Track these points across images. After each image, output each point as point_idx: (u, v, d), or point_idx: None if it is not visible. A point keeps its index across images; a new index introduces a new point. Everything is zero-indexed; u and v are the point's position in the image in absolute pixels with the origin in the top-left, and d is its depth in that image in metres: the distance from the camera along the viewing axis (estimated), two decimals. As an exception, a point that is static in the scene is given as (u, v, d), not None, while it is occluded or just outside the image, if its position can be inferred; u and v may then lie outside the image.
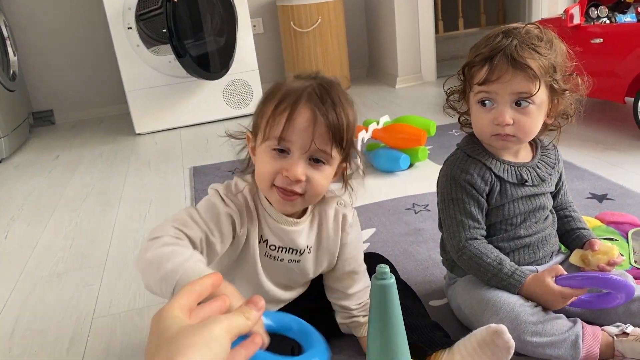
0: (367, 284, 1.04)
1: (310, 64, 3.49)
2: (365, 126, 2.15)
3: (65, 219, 1.99)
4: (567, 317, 0.98)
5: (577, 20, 2.22)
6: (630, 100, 2.12)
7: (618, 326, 0.97)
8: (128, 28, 2.90)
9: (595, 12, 2.29)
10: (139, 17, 2.96)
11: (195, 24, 2.87)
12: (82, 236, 1.83)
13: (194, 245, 0.83)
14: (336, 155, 0.87)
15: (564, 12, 2.27)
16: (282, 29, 3.54)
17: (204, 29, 2.89)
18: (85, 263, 1.63)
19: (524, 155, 1.07)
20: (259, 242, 0.95)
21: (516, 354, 0.98)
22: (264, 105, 0.88)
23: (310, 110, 0.83)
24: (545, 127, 1.05)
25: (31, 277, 1.58)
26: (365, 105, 3.17)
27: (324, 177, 0.88)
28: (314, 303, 1.07)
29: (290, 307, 1.05)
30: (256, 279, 0.98)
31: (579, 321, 0.97)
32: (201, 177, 2.22)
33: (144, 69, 2.97)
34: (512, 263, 1.01)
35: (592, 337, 0.94)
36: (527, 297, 0.98)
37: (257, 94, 3.14)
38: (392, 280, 0.77)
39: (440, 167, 1.11)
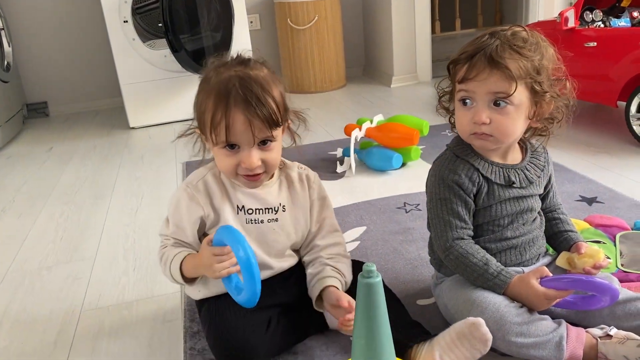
0: (341, 241, 1.16)
1: (307, 61, 3.49)
2: (359, 125, 2.15)
3: (56, 211, 1.99)
4: (552, 318, 0.99)
5: (571, 23, 2.23)
6: (622, 104, 2.13)
7: (602, 328, 0.97)
8: (124, 21, 2.89)
9: (590, 15, 2.30)
10: (135, 11, 2.96)
11: (192, 18, 2.86)
12: (73, 229, 1.83)
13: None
14: (276, 132, 0.99)
15: (558, 15, 2.27)
16: (279, 25, 3.54)
17: (201, 23, 2.89)
18: (75, 256, 1.63)
19: (513, 157, 1.08)
20: (237, 213, 1.06)
21: (501, 354, 1.00)
22: (201, 107, 1.00)
23: (242, 114, 0.95)
24: (534, 131, 1.06)
25: (21, 269, 1.58)
26: (360, 104, 3.18)
27: (276, 152, 1.02)
28: (307, 296, 1.10)
29: (283, 297, 1.10)
30: None
31: (564, 323, 0.97)
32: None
33: (140, 62, 2.97)
34: (498, 264, 1.02)
35: (576, 339, 0.95)
36: (512, 298, 0.99)
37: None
38: (379, 278, 0.78)
39: (433, 167, 1.12)
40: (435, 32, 3.80)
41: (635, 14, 2.35)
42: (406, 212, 1.69)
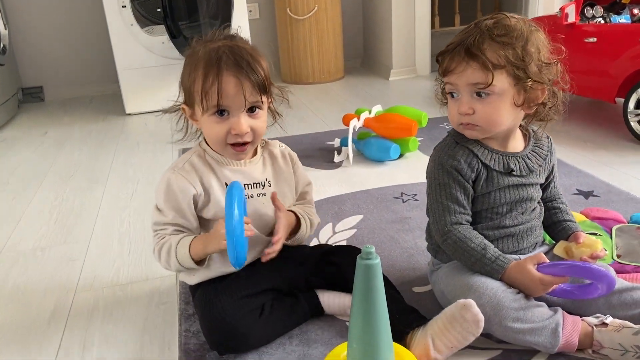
0: (314, 210, 1.22)
1: (305, 52, 3.47)
2: (357, 114, 2.15)
3: (51, 195, 1.97)
4: (549, 306, 0.99)
5: (572, 18, 2.23)
6: (620, 100, 2.13)
7: (598, 317, 0.98)
8: (122, 6, 2.87)
9: (591, 11, 2.30)
10: (134, -4, 2.93)
11: (191, 5, 2.84)
12: (68, 212, 1.82)
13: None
14: (264, 99, 1.03)
15: (559, 10, 2.28)
16: (278, 15, 3.52)
17: (199, 10, 2.87)
18: (70, 238, 1.62)
19: (515, 145, 1.07)
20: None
21: (496, 341, 1.00)
22: (189, 78, 1.02)
23: (234, 77, 0.98)
24: (531, 118, 1.05)
25: (14, 250, 1.57)
26: (359, 96, 3.17)
27: (262, 121, 1.05)
28: (302, 281, 1.13)
29: (278, 281, 1.11)
30: None
31: (560, 310, 0.98)
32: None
33: (137, 48, 2.95)
34: (496, 249, 1.02)
35: (572, 326, 0.95)
36: (509, 284, 0.99)
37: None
38: (377, 260, 0.78)
39: (430, 158, 1.12)
40: (434, 27, 3.80)
41: (635, 10, 2.35)
42: (403, 202, 1.69)
